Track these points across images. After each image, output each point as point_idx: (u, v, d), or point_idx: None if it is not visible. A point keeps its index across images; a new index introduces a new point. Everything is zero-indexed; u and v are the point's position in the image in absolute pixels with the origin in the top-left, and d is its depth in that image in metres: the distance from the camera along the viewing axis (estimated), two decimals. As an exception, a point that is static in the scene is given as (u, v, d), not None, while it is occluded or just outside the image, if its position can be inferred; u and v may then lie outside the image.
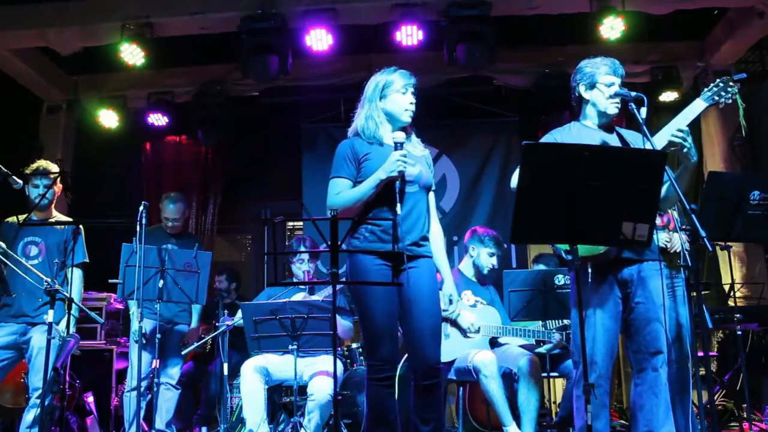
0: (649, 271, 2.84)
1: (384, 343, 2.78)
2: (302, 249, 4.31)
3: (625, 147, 2.87)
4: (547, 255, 5.01)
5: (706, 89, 2.85)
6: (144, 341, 4.04)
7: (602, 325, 2.79)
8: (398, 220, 2.79)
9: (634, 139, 2.95)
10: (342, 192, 2.87)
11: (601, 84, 2.90)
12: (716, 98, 2.82)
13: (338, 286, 2.87)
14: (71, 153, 6.51)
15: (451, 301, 2.99)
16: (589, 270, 2.83)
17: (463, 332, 4.07)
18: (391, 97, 2.92)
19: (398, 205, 2.76)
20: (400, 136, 2.82)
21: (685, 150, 2.70)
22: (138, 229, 3.72)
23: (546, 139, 2.98)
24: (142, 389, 4.01)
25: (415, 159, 2.90)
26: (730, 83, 2.81)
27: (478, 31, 5.13)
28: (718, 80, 2.83)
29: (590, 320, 2.78)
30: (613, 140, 2.93)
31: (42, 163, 3.98)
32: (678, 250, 3.44)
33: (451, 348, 4.03)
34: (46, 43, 5.50)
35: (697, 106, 2.82)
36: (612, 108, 2.90)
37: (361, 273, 2.80)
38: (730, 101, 2.84)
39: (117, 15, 5.29)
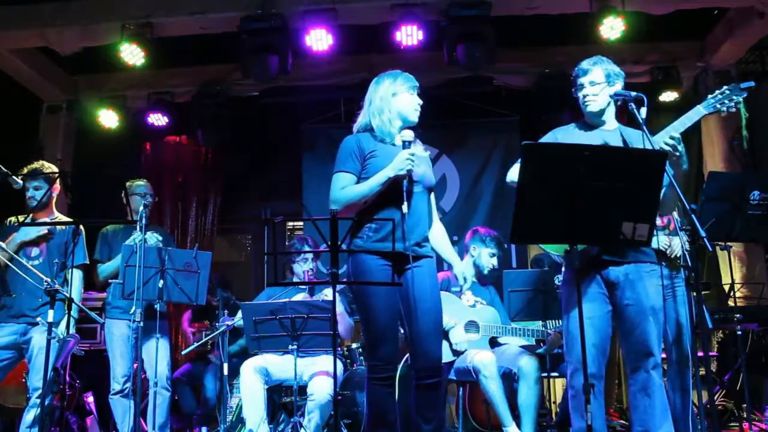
0: (638, 273, 2.80)
1: (385, 343, 2.78)
2: (305, 248, 4.31)
3: (626, 147, 2.85)
4: (543, 255, 5.02)
5: (710, 96, 2.79)
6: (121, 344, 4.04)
7: (591, 325, 2.77)
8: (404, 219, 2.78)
9: (636, 137, 2.92)
10: (347, 187, 2.86)
11: (578, 85, 2.91)
12: (718, 106, 2.76)
13: (338, 287, 2.87)
14: (71, 153, 6.50)
15: (465, 279, 3.01)
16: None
17: (450, 345, 4.03)
18: (401, 96, 2.94)
19: (405, 204, 2.75)
20: (409, 134, 2.82)
21: (675, 158, 2.70)
22: (138, 229, 3.72)
23: (547, 137, 2.98)
24: (127, 391, 3.98)
25: (419, 159, 2.89)
26: (736, 92, 2.75)
27: (478, 31, 5.13)
28: (724, 87, 2.78)
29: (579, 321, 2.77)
30: (615, 139, 2.91)
31: (35, 165, 3.94)
32: (678, 255, 3.44)
33: (451, 348, 4.02)
34: (46, 43, 5.50)
35: (696, 113, 2.77)
36: (588, 106, 2.89)
37: (364, 273, 2.79)
38: (733, 110, 2.79)
39: (117, 15, 5.29)
